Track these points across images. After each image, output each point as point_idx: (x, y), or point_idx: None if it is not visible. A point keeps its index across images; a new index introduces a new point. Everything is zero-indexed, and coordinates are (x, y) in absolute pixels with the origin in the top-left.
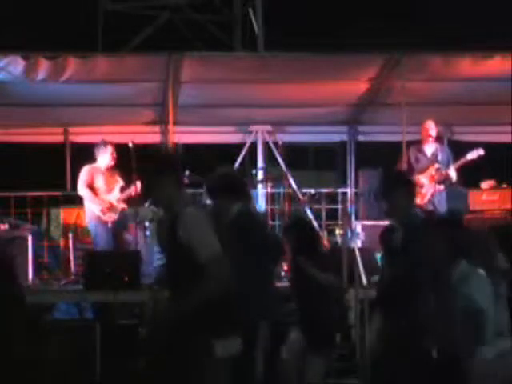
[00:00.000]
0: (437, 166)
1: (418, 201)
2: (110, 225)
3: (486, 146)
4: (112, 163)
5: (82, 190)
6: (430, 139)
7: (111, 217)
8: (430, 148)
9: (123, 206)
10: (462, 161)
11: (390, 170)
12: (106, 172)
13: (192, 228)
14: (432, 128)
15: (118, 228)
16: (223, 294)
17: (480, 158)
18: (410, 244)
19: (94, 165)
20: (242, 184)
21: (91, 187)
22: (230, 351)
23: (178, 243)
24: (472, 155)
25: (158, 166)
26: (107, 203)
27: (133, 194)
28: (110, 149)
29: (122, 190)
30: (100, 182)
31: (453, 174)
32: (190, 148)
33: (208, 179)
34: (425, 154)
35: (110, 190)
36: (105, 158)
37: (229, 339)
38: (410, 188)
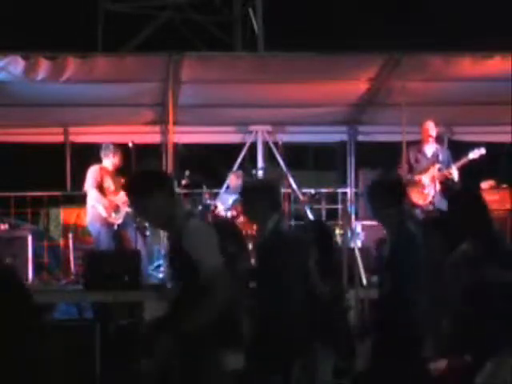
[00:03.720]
0: (438, 166)
1: (420, 202)
2: (115, 227)
3: (486, 145)
4: (118, 164)
5: (90, 189)
6: (430, 139)
7: (117, 219)
8: (430, 148)
9: (128, 209)
10: (463, 160)
11: (382, 173)
12: (112, 173)
13: (195, 241)
14: (432, 128)
15: (122, 229)
16: (226, 308)
17: (482, 157)
18: (396, 259)
19: (101, 165)
20: (279, 194)
21: (100, 187)
22: (235, 365)
23: (184, 257)
24: (474, 155)
25: (144, 188)
26: (114, 205)
27: None
28: (117, 151)
29: None
30: (109, 183)
31: (455, 173)
32: (189, 148)
33: (247, 185)
34: (425, 155)
35: (116, 191)
36: (112, 159)
37: (234, 353)
38: (396, 194)
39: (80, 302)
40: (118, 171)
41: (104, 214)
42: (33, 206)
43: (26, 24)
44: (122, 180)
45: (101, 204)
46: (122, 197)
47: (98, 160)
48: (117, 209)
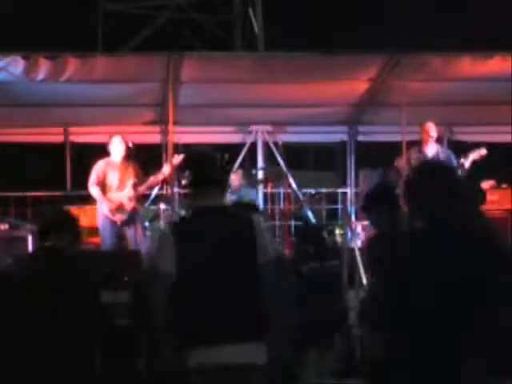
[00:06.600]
0: None
1: None
2: (118, 224)
3: (486, 145)
4: (125, 154)
5: (92, 188)
6: (431, 140)
7: (120, 217)
8: (431, 149)
9: (132, 204)
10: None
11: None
12: (121, 166)
13: (262, 232)
14: (432, 130)
15: (124, 226)
16: None
17: (482, 157)
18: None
19: (108, 159)
20: None
21: (103, 184)
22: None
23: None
24: (474, 156)
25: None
26: (117, 203)
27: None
28: (123, 141)
29: (134, 187)
30: (113, 179)
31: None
32: (189, 148)
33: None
34: (426, 156)
35: (122, 187)
36: (119, 149)
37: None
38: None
39: None
40: (128, 162)
41: (106, 212)
42: (33, 206)
43: (26, 24)
44: (133, 170)
45: (102, 203)
46: (127, 193)
47: (108, 154)
48: (121, 207)
